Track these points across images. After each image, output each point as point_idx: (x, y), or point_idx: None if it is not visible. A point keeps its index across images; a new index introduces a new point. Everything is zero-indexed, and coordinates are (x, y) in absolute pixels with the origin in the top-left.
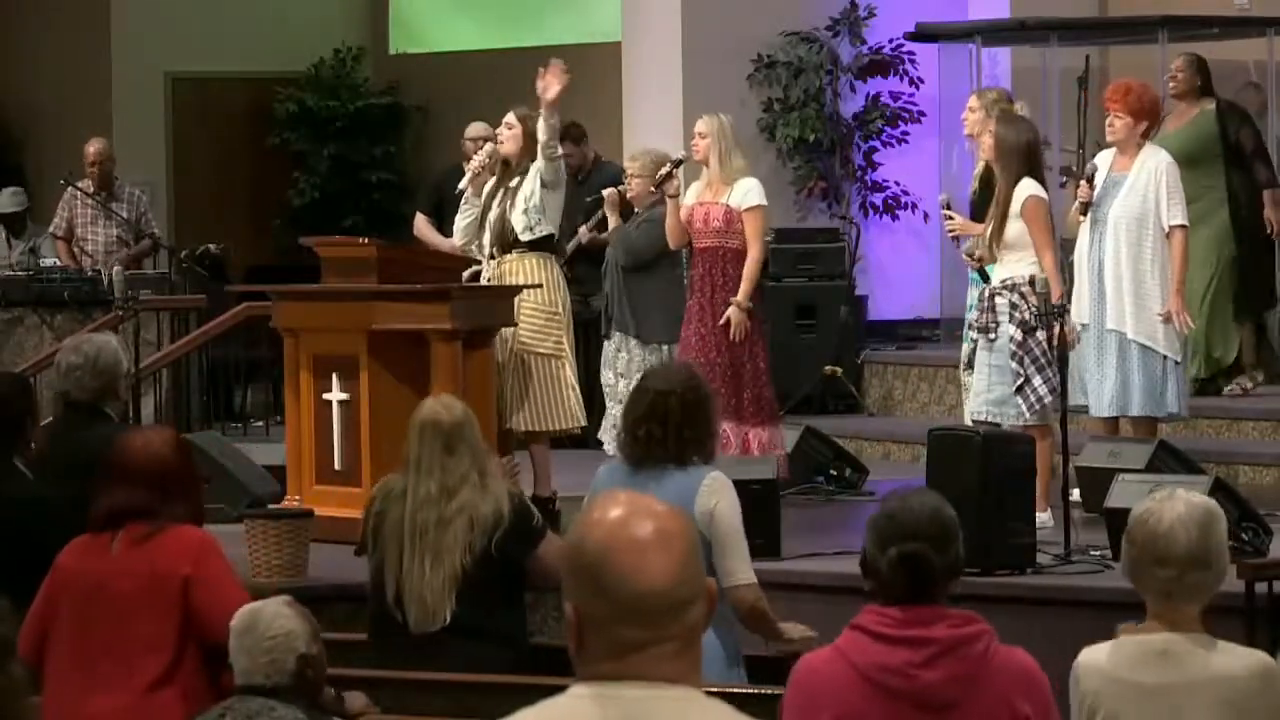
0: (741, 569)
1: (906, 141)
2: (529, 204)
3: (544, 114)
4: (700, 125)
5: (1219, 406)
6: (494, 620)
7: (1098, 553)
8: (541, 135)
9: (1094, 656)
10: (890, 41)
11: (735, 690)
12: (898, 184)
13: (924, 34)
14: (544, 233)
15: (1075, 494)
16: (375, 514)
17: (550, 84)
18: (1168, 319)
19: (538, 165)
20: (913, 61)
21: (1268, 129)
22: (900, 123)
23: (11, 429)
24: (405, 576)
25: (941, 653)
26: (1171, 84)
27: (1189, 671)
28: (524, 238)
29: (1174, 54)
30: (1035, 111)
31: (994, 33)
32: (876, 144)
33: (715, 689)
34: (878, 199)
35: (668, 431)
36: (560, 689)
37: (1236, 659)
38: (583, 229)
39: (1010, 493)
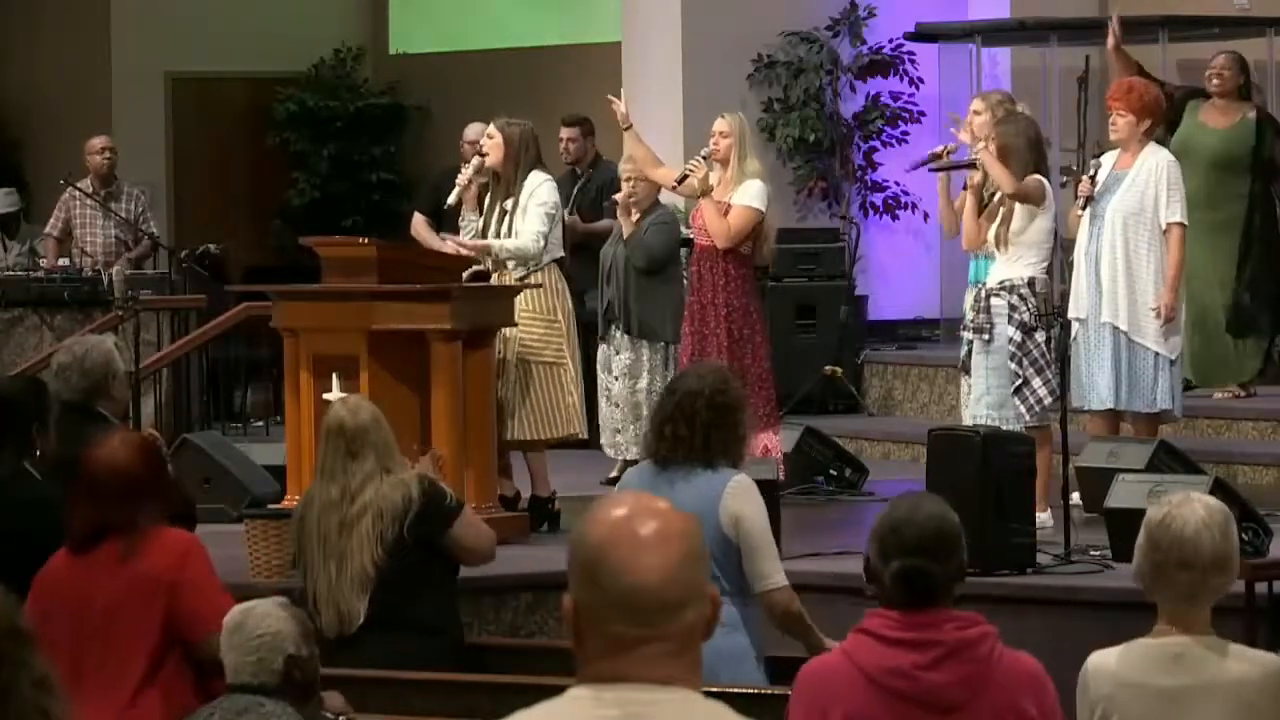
0: (773, 573)
1: (906, 141)
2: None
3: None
4: (722, 124)
5: (1219, 406)
6: (416, 610)
7: (1098, 553)
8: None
9: (1104, 661)
10: (890, 41)
11: (741, 690)
12: (898, 184)
13: (924, 34)
14: (545, 263)
15: (1075, 497)
16: (296, 522)
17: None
18: (1159, 314)
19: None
20: (913, 61)
21: None
22: (900, 123)
23: (22, 431)
24: (317, 582)
25: (946, 655)
26: (1216, 81)
27: (1205, 675)
28: (517, 274)
29: (1174, 54)
30: (1035, 112)
31: (994, 33)
32: (876, 144)
33: (718, 689)
34: (878, 199)
35: (694, 432)
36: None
37: (1251, 662)
38: (573, 219)
39: (1010, 493)
